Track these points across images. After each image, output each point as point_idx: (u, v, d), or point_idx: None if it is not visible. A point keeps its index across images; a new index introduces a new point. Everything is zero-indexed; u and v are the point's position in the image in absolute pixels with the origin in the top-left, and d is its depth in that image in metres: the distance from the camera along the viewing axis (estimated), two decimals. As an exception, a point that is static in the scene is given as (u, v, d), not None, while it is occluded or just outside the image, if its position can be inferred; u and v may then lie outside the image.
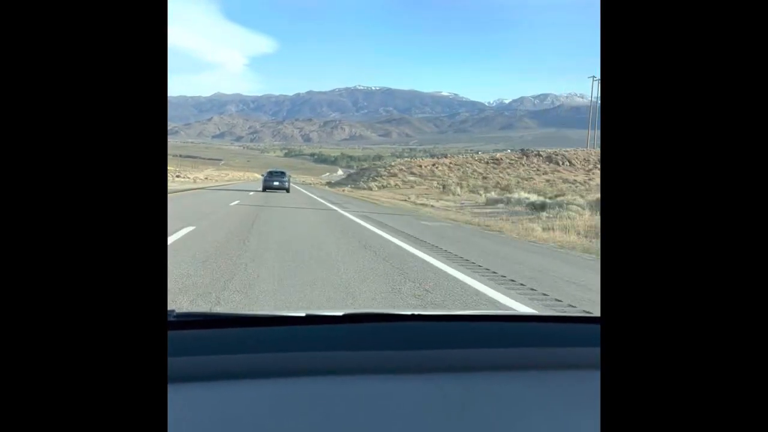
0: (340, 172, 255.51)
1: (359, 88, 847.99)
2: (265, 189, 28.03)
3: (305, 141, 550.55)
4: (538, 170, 56.07)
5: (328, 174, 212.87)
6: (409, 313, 1.10)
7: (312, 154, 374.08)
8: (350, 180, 67.26)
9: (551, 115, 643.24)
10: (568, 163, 59.51)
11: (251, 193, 26.09)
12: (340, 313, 1.08)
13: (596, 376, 0.74)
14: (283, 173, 29.61)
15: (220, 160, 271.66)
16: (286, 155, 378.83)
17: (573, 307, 4.42)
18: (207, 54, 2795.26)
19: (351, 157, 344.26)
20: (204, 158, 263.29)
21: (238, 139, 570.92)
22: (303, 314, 1.06)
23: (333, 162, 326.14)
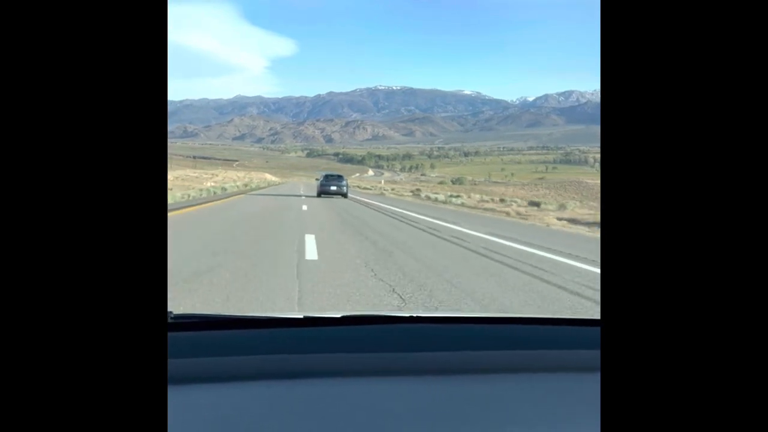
0: (370, 172, 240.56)
1: (380, 88, 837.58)
2: (320, 194, 25.03)
3: (327, 141, 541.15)
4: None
5: (358, 174, 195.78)
6: (407, 315, 1.10)
7: (336, 154, 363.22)
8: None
9: (578, 111, 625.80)
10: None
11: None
12: (338, 315, 1.07)
13: (596, 378, 0.73)
14: (340, 177, 26.77)
15: (236, 160, 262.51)
16: (308, 155, 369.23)
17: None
18: (228, 57, 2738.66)
19: (379, 156, 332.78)
20: (218, 159, 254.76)
21: (259, 140, 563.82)
22: (301, 316, 1.06)
23: (360, 161, 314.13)
